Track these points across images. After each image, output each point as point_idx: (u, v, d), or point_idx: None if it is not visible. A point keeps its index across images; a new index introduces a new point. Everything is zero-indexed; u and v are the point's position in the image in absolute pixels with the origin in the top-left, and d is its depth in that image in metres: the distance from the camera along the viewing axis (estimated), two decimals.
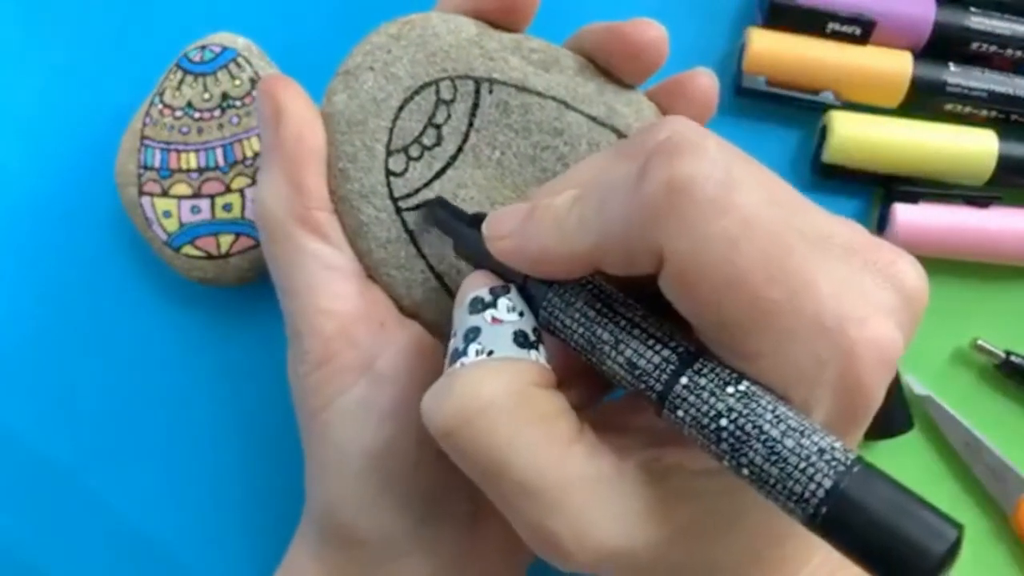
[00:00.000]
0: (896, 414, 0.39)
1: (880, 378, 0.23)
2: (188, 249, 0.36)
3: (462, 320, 0.26)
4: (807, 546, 0.27)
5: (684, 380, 0.23)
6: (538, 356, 0.25)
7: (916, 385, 0.39)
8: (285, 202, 0.29)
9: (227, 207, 0.36)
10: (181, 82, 0.36)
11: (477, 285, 0.26)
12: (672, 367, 0.23)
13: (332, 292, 0.29)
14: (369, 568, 0.30)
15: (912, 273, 0.25)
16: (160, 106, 0.36)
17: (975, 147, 0.39)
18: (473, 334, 0.25)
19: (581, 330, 0.25)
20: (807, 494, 0.20)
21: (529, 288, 0.26)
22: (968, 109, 0.40)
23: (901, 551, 0.19)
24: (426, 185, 0.30)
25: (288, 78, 0.30)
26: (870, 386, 0.23)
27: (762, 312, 0.22)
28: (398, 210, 0.30)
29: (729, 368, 0.23)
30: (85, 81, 0.39)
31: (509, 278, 0.26)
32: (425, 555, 0.31)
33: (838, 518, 0.20)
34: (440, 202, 0.30)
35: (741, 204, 0.21)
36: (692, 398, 0.22)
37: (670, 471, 0.25)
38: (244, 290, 0.38)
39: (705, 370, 0.23)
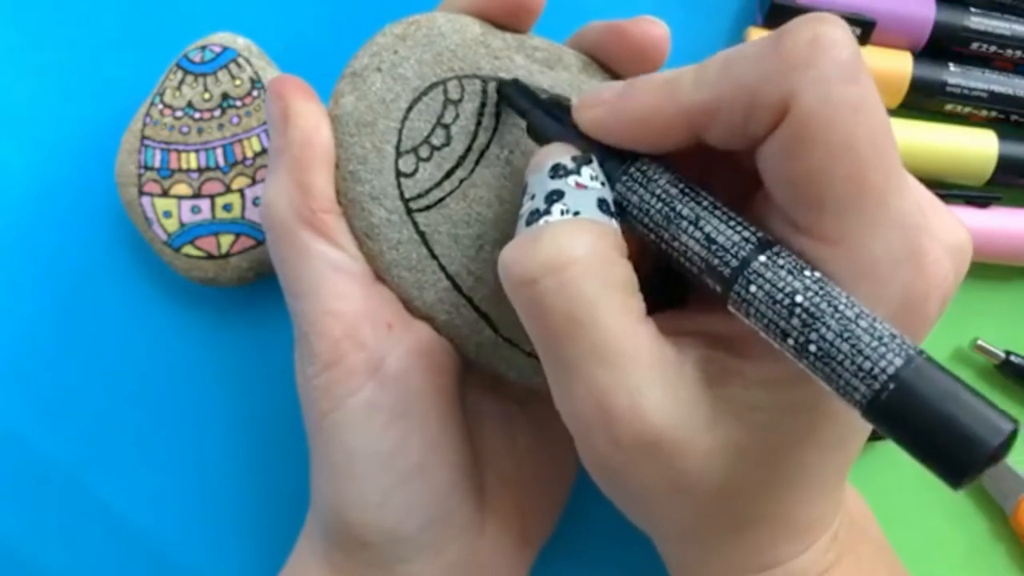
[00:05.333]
0: None
1: (937, 302, 0.24)
2: (188, 249, 0.36)
3: (542, 184, 0.26)
4: (827, 517, 0.28)
5: (763, 258, 0.23)
6: (617, 227, 0.26)
7: None
8: (291, 204, 0.29)
9: (227, 207, 0.36)
10: (181, 82, 0.36)
11: (559, 153, 0.26)
12: (752, 246, 0.24)
13: (339, 293, 0.29)
14: (374, 569, 0.30)
15: (964, 234, 0.26)
16: (160, 106, 0.36)
17: (975, 147, 0.39)
18: (557, 196, 0.25)
19: (659, 205, 0.25)
20: (876, 371, 0.21)
21: (605, 166, 0.26)
22: (968, 109, 0.40)
23: (954, 440, 0.20)
24: (436, 185, 0.30)
25: (298, 79, 0.30)
26: (933, 303, 0.24)
27: (860, 191, 0.23)
28: (409, 211, 0.30)
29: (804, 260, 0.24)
30: (85, 81, 0.39)
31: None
32: (431, 557, 0.31)
33: (901, 399, 0.21)
34: (515, 83, 0.30)
35: (865, 80, 0.23)
36: (769, 274, 0.23)
37: (726, 376, 0.25)
38: (244, 290, 0.38)
39: (784, 253, 0.23)
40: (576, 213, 0.25)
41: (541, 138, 0.28)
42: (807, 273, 0.23)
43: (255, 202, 0.36)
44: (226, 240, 0.36)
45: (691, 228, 0.24)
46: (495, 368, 0.31)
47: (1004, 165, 0.39)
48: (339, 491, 0.30)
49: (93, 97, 0.39)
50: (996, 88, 0.40)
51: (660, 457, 0.24)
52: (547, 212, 0.25)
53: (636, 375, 0.24)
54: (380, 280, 0.30)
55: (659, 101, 0.25)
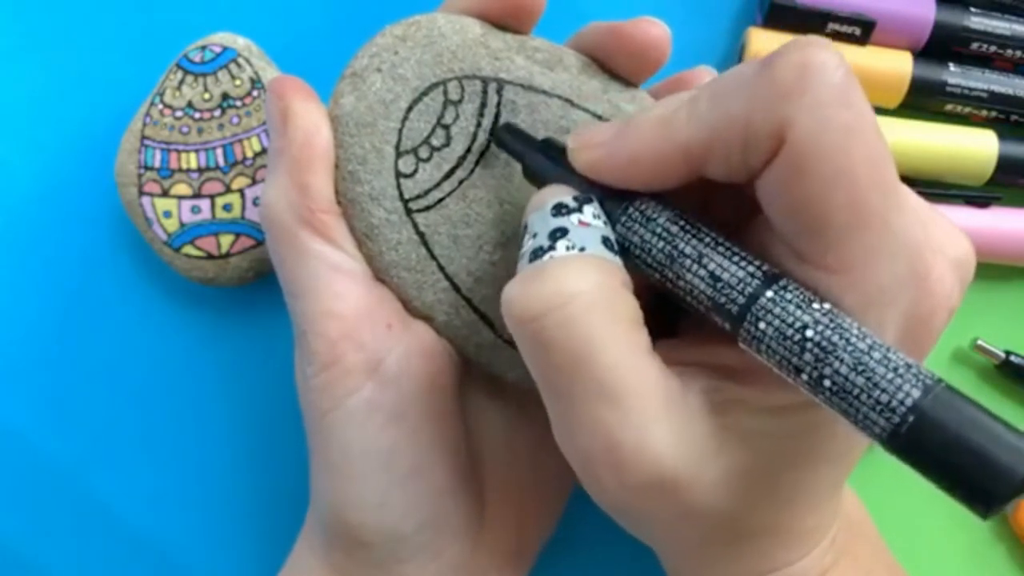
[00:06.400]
0: None
1: (943, 318, 0.24)
2: (188, 249, 0.36)
3: (544, 222, 0.26)
4: (825, 523, 0.28)
5: (769, 293, 0.23)
6: (621, 263, 0.25)
7: None
8: (291, 204, 0.29)
9: (227, 207, 0.36)
10: (181, 82, 0.36)
11: (560, 193, 0.26)
12: (758, 281, 0.23)
13: (338, 293, 0.29)
14: (373, 569, 0.30)
15: (968, 246, 0.25)
16: (160, 106, 0.36)
17: (975, 147, 0.39)
18: (561, 233, 0.25)
19: (661, 244, 0.25)
20: (894, 403, 0.21)
21: (605, 206, 0.26)
22: (968, 109, 0.40)
23: (981, 469, 0.20)
24: (436, 186, 0.30)
25: (298, 79, 0.30)
26: (939, 319, 0.24)
27: (860, 217, 0.22)
28: (408, 211, 0.30)
29: (811, 291, 0.23)
30: (85, 81, 0.39)
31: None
32: (430, 558, 0.31)
33: (922, 431, 0.20)
34: (508, 126, 0.30)
35: (858, 102, 0.22)
36: (777, 310, 0.23)
37: (731, 405, 0.25)
38: (244, 290, 0.38)
39: (791, 287, 0.23)
40: (582, 249, 0.25)
41: (538, 180, 0.28)
42: (816, 306, 0.22)
43: (255, 202, 0.36)
44: (226, 240, 0.36)
45: (695, 266, 0.24)
46: (494, 369, 0.31)
47: (1004, 165, 0.39)
48: (338, 491, 0.30)
49: (93, 97, 0.39)
50: (996, 88, 0.39)
51: (667, 492, 0.24)
52: (551, 248, 0.25)
53: (642, 412, 0.24)
54: (379, 280, 0.30)
55: (655, 141, 0.25)
